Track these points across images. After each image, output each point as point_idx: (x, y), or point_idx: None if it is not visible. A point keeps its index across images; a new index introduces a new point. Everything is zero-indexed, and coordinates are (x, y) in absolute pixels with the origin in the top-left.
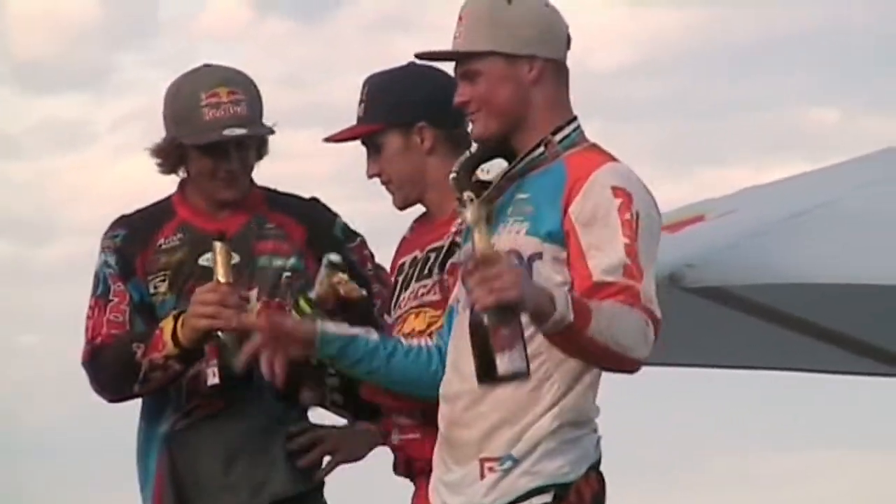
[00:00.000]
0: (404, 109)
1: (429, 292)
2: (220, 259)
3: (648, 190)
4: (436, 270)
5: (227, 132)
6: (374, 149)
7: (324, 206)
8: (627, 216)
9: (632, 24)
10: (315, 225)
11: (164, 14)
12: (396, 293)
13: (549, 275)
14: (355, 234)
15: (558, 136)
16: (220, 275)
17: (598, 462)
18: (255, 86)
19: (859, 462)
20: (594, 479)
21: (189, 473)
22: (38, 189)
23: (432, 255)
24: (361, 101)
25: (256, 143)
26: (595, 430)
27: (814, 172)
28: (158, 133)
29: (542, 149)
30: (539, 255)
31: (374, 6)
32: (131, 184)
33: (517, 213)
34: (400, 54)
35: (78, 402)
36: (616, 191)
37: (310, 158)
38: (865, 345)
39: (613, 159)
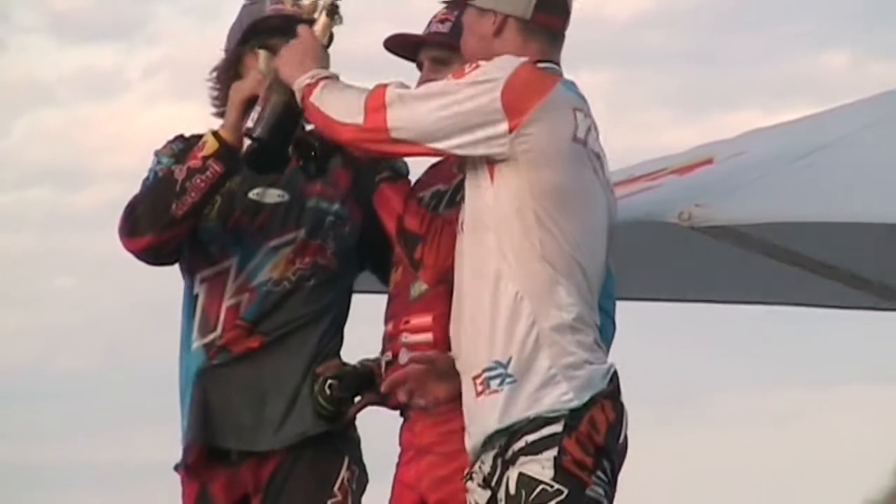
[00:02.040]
0: None
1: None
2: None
3: (531, 76)
4: None
5: (276, 5)
6: None
7: None
8: (461, 65)
9: None
10: (360, 170)
11: None
12: None
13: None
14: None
15: None
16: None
17: (613, 393)
18: None
19: (865, 396)
20: (610, 409)
21: (220, 408)
22: (74, 136)
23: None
24: None
25: None
26: (602, 362)
27: (818, 115)
28: (188, 81)
29: None
30: None
31: None
32: (162, 130)
33: None
34: (425, 7)
35: (108, 343)
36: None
37: None
38: (868, 281)
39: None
